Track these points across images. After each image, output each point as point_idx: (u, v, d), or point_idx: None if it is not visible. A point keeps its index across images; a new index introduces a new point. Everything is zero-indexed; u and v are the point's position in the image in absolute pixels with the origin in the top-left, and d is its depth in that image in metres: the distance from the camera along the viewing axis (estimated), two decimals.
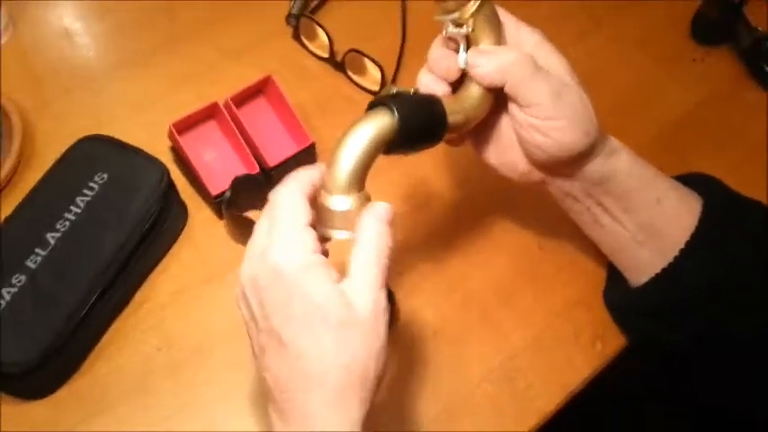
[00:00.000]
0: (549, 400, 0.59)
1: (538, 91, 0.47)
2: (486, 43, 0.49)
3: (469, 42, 0.49)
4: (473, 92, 0.49)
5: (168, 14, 0.79)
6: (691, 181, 0.56)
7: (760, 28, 0.79)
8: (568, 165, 0.51)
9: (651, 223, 0.53)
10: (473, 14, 0.48)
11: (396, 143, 0.44)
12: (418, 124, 0.45)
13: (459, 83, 0.50)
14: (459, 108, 0.48)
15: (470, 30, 0.48)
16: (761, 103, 0.77)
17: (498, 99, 0.50)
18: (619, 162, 0.52)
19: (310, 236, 0.41)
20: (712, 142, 0.74)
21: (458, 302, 0.64)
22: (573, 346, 0.62)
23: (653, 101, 0.77)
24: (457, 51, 0.49)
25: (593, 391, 0.61)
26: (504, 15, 0.50)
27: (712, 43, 0.81)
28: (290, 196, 0.42)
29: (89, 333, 0.58)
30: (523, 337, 0.62)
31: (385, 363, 0.40)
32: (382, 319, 0.40)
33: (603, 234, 0.55)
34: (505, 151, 0.53)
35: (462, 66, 0.49)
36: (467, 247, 0.66)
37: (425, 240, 0.67)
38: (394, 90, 0.46)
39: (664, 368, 0.64)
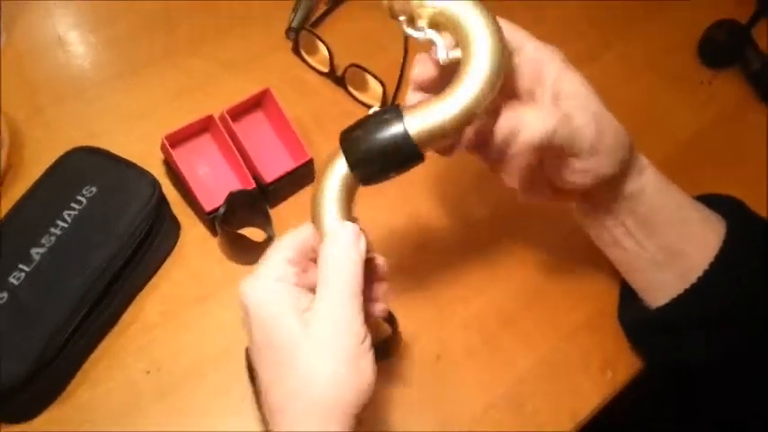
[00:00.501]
0: (557, 426, 0.56)
1: (579, 142, 0.45)
2: (461, 47, 0.43)
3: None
4: (447, 95, 0.41)
5: (166, 27, 0.77)
6: (713, 201, 0.55)
7: None
8: (601, 190, 0.49)
9: (673, 245, 0.51)
10: (430, 17, 0.43)
11: (364, 179, 0.43)
12: (377, 158, 0.42)
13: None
14: (429, 119, 0.41)
15: (427, 34, 0.44)
16: None
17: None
18: (647, 179, 0.50)
19: (282, 268, 0.43)
20: (720, 164, 0.73)
21: (460, 326, 0.61)
22: (582, 373, 0.59)
23: (661, 122, 0.76)
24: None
25: (603, 419, 0.58)
26: (524, 37, 0.47)
27: (720, 66, 0.80)
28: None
29: (73, 355, 0.55)
30: (529, 362, 0.59)
31: (360, 371, 0.40)
32: (348, 329, 0.40)
33: (622, 255, 0.54)
34: (532, 181, 0.50)
35: (442, 59, 0.43)
36: (468, 270, 0.64)
37: (426, 264, 0.65)
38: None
39: (676, 395, 0.62)
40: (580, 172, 0.46)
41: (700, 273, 0.50)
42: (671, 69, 0.79)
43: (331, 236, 0.42)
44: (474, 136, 0.46)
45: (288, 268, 0.43)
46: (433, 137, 0.42)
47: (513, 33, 0.46)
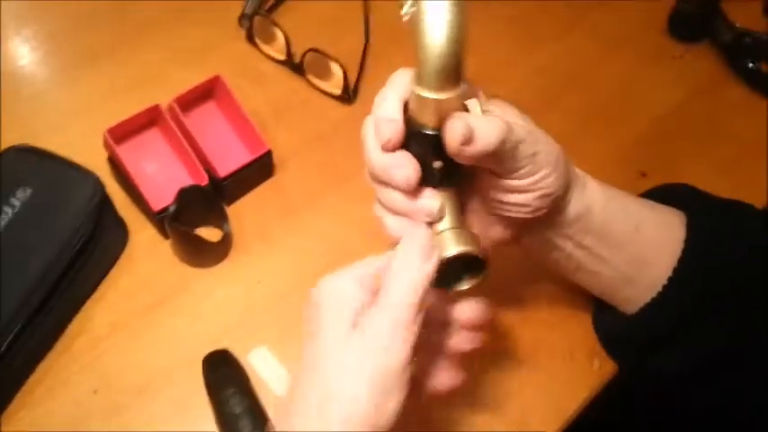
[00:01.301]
0: (544, 424, 0.53)
1: (523, 149, 0.40)
2: None
3: None
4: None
5: (110, 18, 0.73)
6: (665, 195, 0.52)
7: (738, 24, 0.76)
8: (550, 213, 0.45)
9: (635, 255, 0.48)
10: None
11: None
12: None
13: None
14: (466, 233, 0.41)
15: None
16: (744, 98, 0.74)
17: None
18: (592, 193, 0.47)
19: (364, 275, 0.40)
20: (697, 139, 0.70)
21: None
22: (568, 364, 0.55)
23: (635, 99, 0.73)
24: None
25: (591, 415, 0.54)
26: None
27: (691, 40, 0.77)
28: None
29: (11, 373, 0.50)
30: (512, 357, 0.56)
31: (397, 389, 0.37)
32: (400, 335, 0.36)
33: (589, 278, 0.50)
34: (471, 225, 0.46)
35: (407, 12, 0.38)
36: None
37: None
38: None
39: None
40: (525, 193, 0.42)
41: (665, 281, 0.48)
42: (641, 46, 0.77)
43: (407, 237, 0.39)
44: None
45: (370, 273, 0.39)
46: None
47: None
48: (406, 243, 0.39)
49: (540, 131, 0.42)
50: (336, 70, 0.67)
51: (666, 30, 0.78)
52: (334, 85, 0.69)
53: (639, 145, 0.69)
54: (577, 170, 0.47)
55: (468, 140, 0.37)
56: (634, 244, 0.48)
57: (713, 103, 0.73)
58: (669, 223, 0.49)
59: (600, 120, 0.71)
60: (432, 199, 0.40)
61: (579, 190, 0.46)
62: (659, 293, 0.48)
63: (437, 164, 0.40)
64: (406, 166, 0.39)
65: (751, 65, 0.74)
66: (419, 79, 0.37)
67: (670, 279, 0.48)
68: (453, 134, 0.37)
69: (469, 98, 0.39)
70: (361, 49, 0.72)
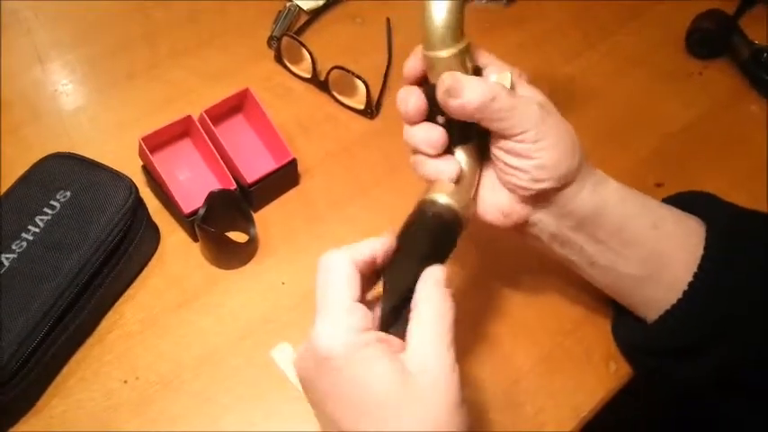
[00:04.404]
0: (560, 425, 0.53)
1: (526, 116, 0.44)
2: None
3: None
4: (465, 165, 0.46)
5: (146, 42, 0.77)
6: (686, 201, 0.52)
7: (756, 41, 0.77)
8: (556, 190, 0.46)
9: (654, 253, 0.48)
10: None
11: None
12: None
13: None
14: (463, 194, 0.46)
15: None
16: (763, 113, 0.74)
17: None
18: (608, 190, 0.48)
19: (358, 313, 0.39)
20: (714, 152, 0.71)
21: (456, 322, 0.58)
22: (585, 367, 0.56)
23: (653, 115, 0.74)
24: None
25: (607, 415, 0.54)
26: (480, 52, 0.48)
27: (709, 56, 0.79)
28: (338, 266, 0.41)
29: (45, 365, 0.52)
30: (529, 358, 0.56)
31: (464, 419, 0.38)
32: (452, 377, 0.38)
33: (603, 275, 0.50)
34: (483, 195, 0.48)
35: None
36: (465, 265, 0.61)
37: None
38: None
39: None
40: (529, 159, 0.44)
41: (686, 282, 0.47)
42: (659, 63, 0.78)
43: (428, 274, 0.41)
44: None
45: (358, 313, 0.40)
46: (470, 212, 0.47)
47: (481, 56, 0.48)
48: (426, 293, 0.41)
49: (553, 111, 0.46)
50: (360, 86, 0.70)
51: (684, 47, 0.79)
52: (358, 101, 0.72)
53: (656, 157, 0.70)
54: (599, 171, 0.48)
55: (453, 93, 0.43)
56: (651, 241, 0.48)
57: (731, 118, 0.74)
58: (688, 224, 0.49)
59: (617, 133, 0.72)
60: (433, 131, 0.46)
61: (593, 183, 0.47)
62: (679, 300, 0.47)
63: (440, 119, 0.46)
64: (410, 99, 0.46)
65: None
66: (423, 41, 0.45)
67: (691, 284, 0.47)
68: (439, 85, 0.44)
69: (505, 71, 0.46)
70: (384, 67, 0.75)
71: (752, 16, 0.81)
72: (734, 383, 0.51)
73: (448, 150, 0.47)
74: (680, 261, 0.48)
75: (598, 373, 0.56)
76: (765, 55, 0.76)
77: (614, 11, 0.83)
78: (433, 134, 0.46)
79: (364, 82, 0.69)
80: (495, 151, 0.46)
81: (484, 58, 0.47)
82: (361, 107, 0.71)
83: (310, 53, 0.72)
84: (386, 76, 0.75)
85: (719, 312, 0.47)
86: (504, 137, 0.44)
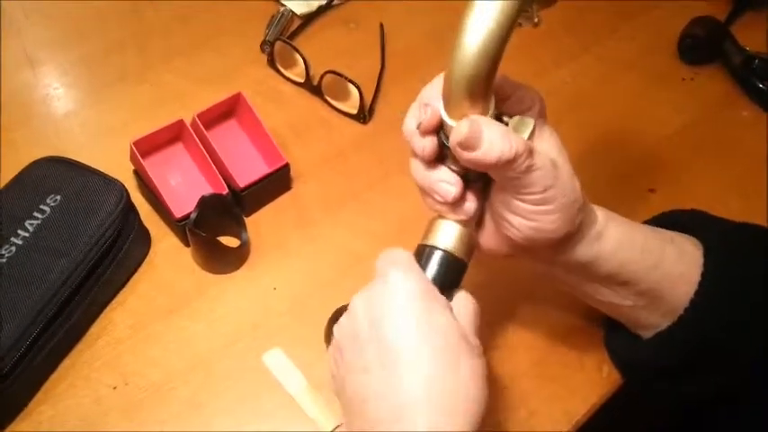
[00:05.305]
0: (553, 428, 0.53)
1: (536, 176, 0.40)
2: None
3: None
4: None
5: (138, 44, 0.77)
6: (678, 222, 0.51)
7: (748, 48, 0.78)
8: (551, 249, 0.45)
9: (652, 288, 0.47)
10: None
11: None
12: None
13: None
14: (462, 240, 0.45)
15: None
16: (754, 119, 0.75)
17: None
18: (605, 245, 0.46)
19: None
20: (706, 156, 0.71)
21: None
22: (577, 372, 0.56)
23: (645, 120, 0.74)
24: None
25: (601, 419, 0.54)
26: (505, 80, 0.44)
27: (700, 63, 0.79)
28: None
29: (33, 370, 0.52)
30: (522, 363, 0.56)
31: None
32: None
33: (599, 304, 0.50)
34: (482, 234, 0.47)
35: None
36: None
37: None
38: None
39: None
40: (527, 220, 0.42)
41: (682, 308, 0.47)
42: (651, 69, 0.78)
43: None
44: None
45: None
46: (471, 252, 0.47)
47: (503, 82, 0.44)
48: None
49: (567, 168, 0.42)
50: (353, 91, 0.70)
51: (676, 53, 0.79)
52: (351, 106, 0.71)
53: (648, 162, 0.70)
54: (600, 220, 0.45)
55: (468, 145, 0.39)
56: (650, 279, 0.47)
57: (723, 123, 0.75)
58: (688, 255, 0.48)
59: (609, 137, 0.72)
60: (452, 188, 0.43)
61: (591, 239, 0.45)
62: (674, 323, 0.47)
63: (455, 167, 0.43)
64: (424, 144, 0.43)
65: (761, 86, 0.76)
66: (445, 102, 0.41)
67: (687, 309, 0.47)
68: (455, 134, 0.40)
69: (527, 119, 0.42)
70: (377, 72, 0.75)
71: (743, 23, 0.82)
72: (729, 399, 0.51)
73: None
74: (679, 292, 0.47)
75: (591, 377, 0.56)
76: (757, 61, 0.76)
77: (607, 16, 0.83)
78: (451, 190, 0.43)
79: (357, 87, 0.69)
80: (495, 198, 0.44)
81: (509, 87, 0.44)
82: (354, 112, 0.71)
83: (303, 58, 0.72)
84: (379, 80, 0.75)
85: (713, 336, 0.47)
86: (506, 190, 0.42)
